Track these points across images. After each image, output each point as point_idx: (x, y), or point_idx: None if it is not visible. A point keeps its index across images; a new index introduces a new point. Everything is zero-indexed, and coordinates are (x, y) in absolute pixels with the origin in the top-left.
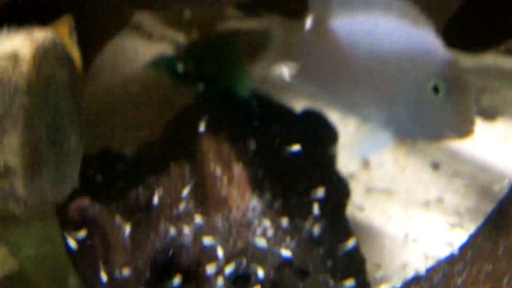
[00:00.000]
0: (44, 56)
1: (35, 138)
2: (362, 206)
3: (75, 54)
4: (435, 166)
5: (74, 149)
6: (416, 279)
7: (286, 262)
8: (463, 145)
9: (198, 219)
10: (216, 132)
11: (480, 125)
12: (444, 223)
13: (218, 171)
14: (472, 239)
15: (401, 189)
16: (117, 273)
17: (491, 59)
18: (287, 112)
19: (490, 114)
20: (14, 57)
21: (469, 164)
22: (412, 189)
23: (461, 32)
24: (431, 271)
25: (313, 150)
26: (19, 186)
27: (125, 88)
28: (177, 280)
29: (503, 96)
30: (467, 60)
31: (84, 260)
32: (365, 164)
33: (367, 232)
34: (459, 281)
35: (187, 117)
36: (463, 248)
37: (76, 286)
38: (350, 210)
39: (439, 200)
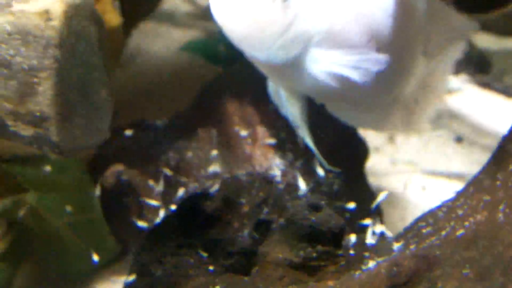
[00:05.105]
0: (75, 13)
1: (67, 89)
2: (386, 174)
3: (116, 20)
4: (459, 140)
5: (104, 102)
6: (423, 215)
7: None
8: (487, 121)
9: (224, 174)
10: (240, 97)
11: (503, 102)
12: None
13: (243, 132)
14: (474, 177)
15: (424, 161)
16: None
17: None
18: None
19: None
20: (46, 13)
21: (491, 138)
22: (436, 160)
23: None
24: (436, 208)
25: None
26: (53, 133)
27: (159, 71)
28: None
29: None
30: (492, 45)
31: (119, 220)
32: (390, 138)
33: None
34: (460, 212)
35: (212, 87)
36: (466, 186)
37: (112, 248)
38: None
39: (461, 171)
